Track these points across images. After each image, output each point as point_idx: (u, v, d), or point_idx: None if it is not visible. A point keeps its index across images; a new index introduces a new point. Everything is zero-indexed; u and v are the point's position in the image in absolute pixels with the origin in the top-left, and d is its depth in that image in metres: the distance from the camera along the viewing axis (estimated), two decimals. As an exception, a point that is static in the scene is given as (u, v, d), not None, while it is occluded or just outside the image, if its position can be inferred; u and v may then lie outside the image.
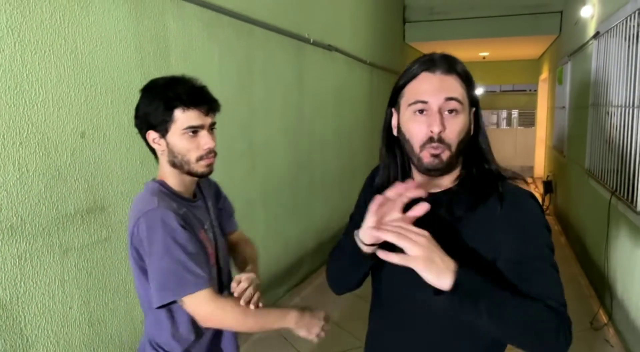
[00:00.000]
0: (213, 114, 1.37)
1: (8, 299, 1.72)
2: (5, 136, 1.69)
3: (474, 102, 1.04)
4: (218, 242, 1.49)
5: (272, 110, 3.61)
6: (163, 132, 1.32)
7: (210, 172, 1.39)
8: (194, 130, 1.31)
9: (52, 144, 1.86)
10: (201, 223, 1.42)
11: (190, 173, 1.36)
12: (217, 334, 1.50)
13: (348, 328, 3.43)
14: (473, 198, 1.02)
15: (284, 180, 3.88)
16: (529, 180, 10.29)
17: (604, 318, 3.57)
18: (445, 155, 1.00)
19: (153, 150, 1.39)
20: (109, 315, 2.13)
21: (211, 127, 1.36)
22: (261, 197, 3.50)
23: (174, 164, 1.35)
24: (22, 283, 1.77)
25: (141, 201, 1.34)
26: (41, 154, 1.82)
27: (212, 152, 1.35)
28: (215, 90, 3.21)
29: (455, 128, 0.99)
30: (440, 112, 0.98)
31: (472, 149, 1.06)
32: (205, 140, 1.33)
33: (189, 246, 1.27)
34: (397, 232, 0.89)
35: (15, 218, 1.73)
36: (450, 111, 0.99)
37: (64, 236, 1.91)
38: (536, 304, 0.93)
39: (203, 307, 1.28)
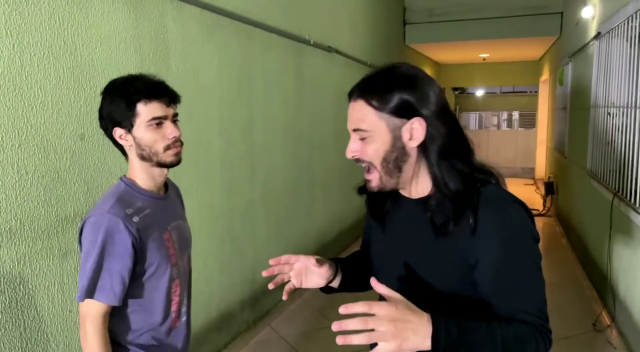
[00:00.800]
0: (174, 105, 1.42)
1: (7, 302, 1.71)
2: (4, 138, 1.68)
3: (406, 112, 0.99)
4: (181, 244, 1.53)
5: (272, 111, 3.60)
6: (129, 127, 1.37)
7: (178, 161, 1.43)
8: (158, 121, 1.37)
9: (52, 147, 1.85)
10: (166, 222, 1.47)
11: (159, 164, 1.41)
12: (168, 327, 1.53)
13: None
14: (453, 208, 0.98)
15: (284, 182, 3.87)
16: (530, 181, 10.28)
17: (606, 320, 3.55)
18: (375, 177, 1.03)
19: (121, 148, 1.44)
20: (109, 318, 2.12)
21: (174, 118, 1.42)
22: (261, 199, 3.49)
23: (142, 157, 1.40)
24: (21, 286, 1.76)
25: (101, 199, 1.39)
26: (40, 156, 1.81)
27: (178, 141, 1.41)
28: (214, 92, 3.18)
29: (368, 151, 1.01)
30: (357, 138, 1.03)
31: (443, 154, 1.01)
32: (170, 129, 1.38)
33: (118, 261, 1.33)
34: (366, 335, 0.81)
35: (14, 221, 1.72)
36: (362, 138, 1.01)
37: (63, 238, 1.90)
38: (514, 328, 0.91)
39: (90, 318, 1.33)
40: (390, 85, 1.00)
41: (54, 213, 1.86)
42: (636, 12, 3.03)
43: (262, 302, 3.52)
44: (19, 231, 1.74)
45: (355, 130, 1.02)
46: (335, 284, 1.20)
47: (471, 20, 7.34)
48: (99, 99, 2.03)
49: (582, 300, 4.07)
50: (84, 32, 1.97)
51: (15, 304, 1.74)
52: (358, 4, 5.61)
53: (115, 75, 2.11)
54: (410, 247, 1.07)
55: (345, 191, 5.16)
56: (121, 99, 1.36)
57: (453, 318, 0.87)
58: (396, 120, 0.99)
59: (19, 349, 1.75)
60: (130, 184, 1.42)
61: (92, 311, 1.34)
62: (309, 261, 1.13)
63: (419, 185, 1.06)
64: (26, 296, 1.77)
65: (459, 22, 7.41)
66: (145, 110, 1.35)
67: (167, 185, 1.54)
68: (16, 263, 1.74)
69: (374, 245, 1.21)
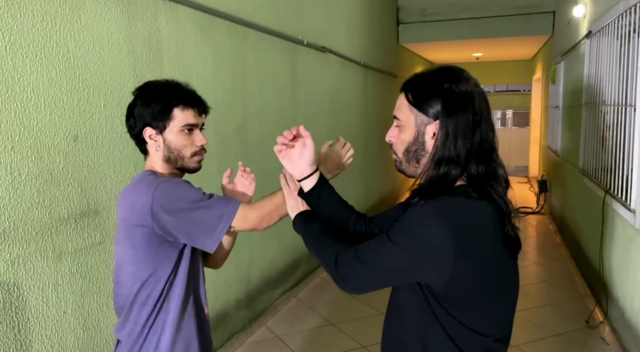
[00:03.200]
0: (205, 115, 1.50)
1: (2, 304, 1.71)
2: (-3, 140, 1.68)
3: (434, 113, 1.08)
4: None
5: (266, 112, 3.61)
6: (161, 128, 1.41)
7: (199, 168, 1.50)
8: (190, 128, 1.43)
9: (45, 148, 1.85)
10: None
11: (182, 168, 1.47)
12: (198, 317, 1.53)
13: (345, 329, 3.43)
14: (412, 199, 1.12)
15: (279, 182, 3.87)
16: (524, 179, 10.32)
17: (599, 316, 3.58)
18: (398, 160, 1.17)
19: (142, 146, 1.45)
20: (103, 319, 2.12)
21: (202, 127, 1.49)
22: (256, 199, 3.49)
23: (168, 160, 1.44)
24: (15, 288, 1.75)
25: (143, 184, 1.37)
26: (34, 158, 1.81)
27: (203, 149, 1.49)
28: (208, 93, 3.20)
29: (398, 139, 1.15)
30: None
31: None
32: (199, 137, 1.46)
33: (204, 190, 1.41)
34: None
35: (8, 223, 1.72)
36: (397, 125, 1.15)
37: (57, 240, 1.90)
38: (335, 248, 1.22)
39: (248, 216, 1.43)
40: (428, 85, 1.10)
41: (47, 214, 1.86)
42: (626, 11, 3.05)
43: (258, 302, 3.52)
44: (12, 233, 1.74)
45: (394, 117, 1.15)
46: (308, 184, 1.39)
47: (464, 20, 7.37)
48: (92, 100, 2.05)
49: (575, 297, 4.10)
50: (76, 34, 1.97)
51: (9, 306, 1.74)
52: (351, 4, 5.62)
53: (108, 76, 2.12)
54: None
55: (340, 189, 5.17)
56: (159, 101, 1.39)
57: (310, 218, 1.44)
58: (424, 118, 1.10)
59: (13, 350, 1.75)
60: (155, 173, 1.43)
61: (246, 208, 1.42)
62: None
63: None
64: (20, 298, 1.77)
65: (452, 21, 7.43)
66: (181, 116, 1.41)
67: None
68: (10, 265, 1.73)
69: None
